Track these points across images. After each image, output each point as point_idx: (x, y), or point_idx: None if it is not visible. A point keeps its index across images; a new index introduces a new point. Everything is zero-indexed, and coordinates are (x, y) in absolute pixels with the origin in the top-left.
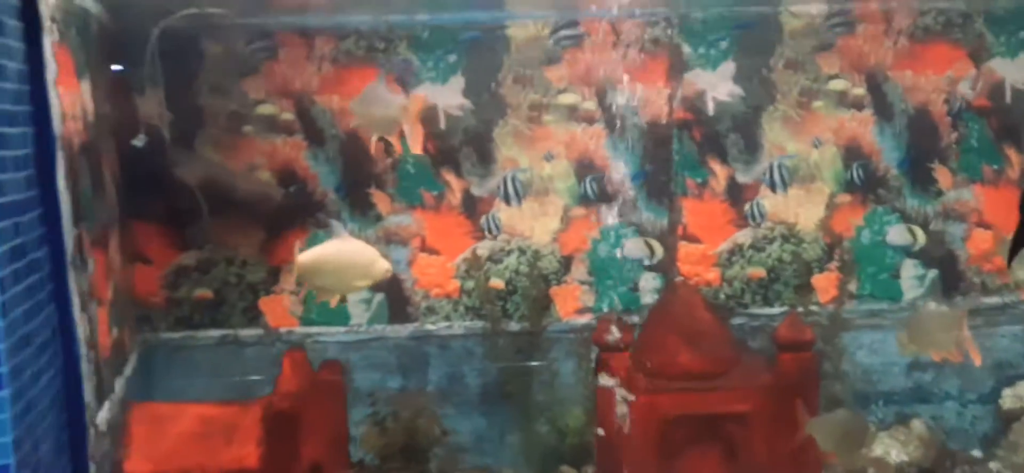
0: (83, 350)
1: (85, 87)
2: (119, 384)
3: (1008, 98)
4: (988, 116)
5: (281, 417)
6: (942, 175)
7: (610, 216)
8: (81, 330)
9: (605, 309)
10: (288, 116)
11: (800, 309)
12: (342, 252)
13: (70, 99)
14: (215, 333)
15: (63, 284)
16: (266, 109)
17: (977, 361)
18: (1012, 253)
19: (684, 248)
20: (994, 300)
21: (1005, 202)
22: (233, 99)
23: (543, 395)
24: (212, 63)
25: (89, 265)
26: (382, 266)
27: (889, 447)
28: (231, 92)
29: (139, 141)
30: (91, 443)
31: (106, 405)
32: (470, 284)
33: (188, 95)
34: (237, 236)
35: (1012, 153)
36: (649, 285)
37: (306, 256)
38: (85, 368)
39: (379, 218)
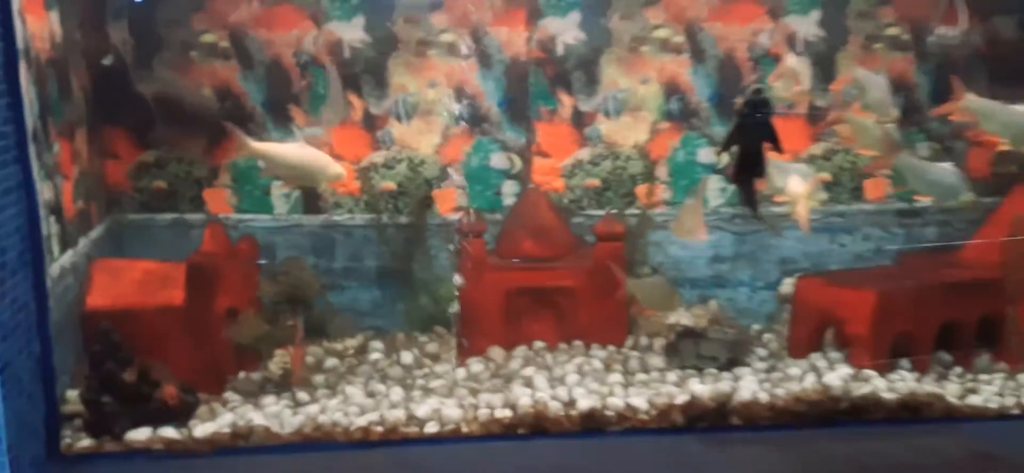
0: (43, 210)
1: (53, 16)
2: (83, 242)
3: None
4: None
5: (199, 270)
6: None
7: (480, 133)
8: (42, 192)
9: (474, 209)
10: (225, 44)
11: (625, 211)
12: (302, 153)
13: (38, 24)
14: (169, 216)
15: (25, 153)
16: (208, 38)
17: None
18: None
19: (537, 162)
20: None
21: (793, 130)
22: (183, 29)
23: (424, 273)
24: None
25: (54, 147)
26: (335, 169)
27: (680, 316)
28: (182, 23)
29: (107, 60)
30: (51, 278)
31: (69, 253)
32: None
33: (148, 25)
34: (185, 140)
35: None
36: (510, 190)
37: (268, 147)
38: (49, 221)
39: (299, 129)
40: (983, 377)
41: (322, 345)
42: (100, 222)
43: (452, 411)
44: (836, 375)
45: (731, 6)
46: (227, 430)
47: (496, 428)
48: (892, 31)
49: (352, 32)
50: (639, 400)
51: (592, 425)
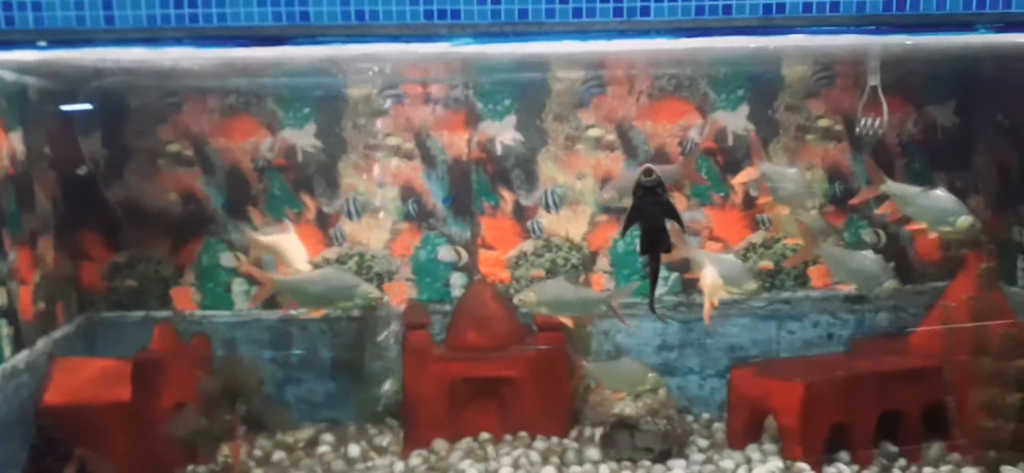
0: None
1: (15, 136)
2: (43, 342)
3: (730, 140)
4: (715, 154)
5: (143, 367)
6: (677, 199)
7: (427, 229)
8: None
9: (424, 300)
10: (189, 153)
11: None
12: (328, 279)
13: None
14: (139, 314)
15: None
16: (173, 148)
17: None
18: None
19: (483, 254)
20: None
21: (729, 221)
22: (150, 140)
23: (377, 364)
24: (136, 113)
25: (9, 256)
26: (364, 290)
27: (626, 405)
28: (149, 135)
29: (82, 171)
30: (2, 377)
31: (25, 352)
32: None
33: (118, 137)
34: (152, 241)
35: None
36: (457, 282)
37: (294, 280)
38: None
39: (254, 229)
40: (928, 470)
41: (274, 438)
42: (68, 321)
43: None
44: (765, 469)
45: (658, 104)
46: None
47: None
48: (823, 122)
49: (304, 138)
50: None
51: None
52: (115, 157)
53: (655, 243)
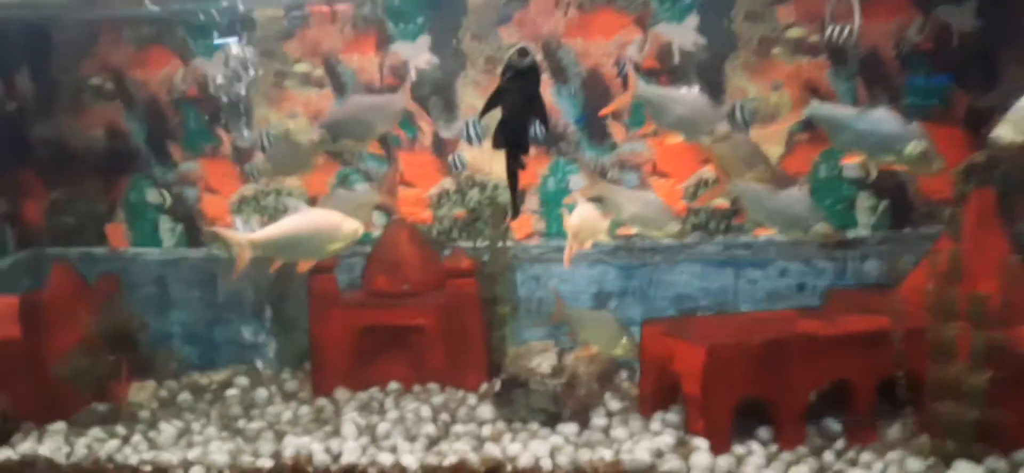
0: None
1: None
2: None
3: (676, 58)
4: (657, 75)
5: (31, 306)
6: (616, 129)
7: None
8: None
9: None
10: (110, 86)
11: (499, 244)
12: (306, 221)
13: None
14: (78, 250)
15: None
16: (95, 81)
17: None
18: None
19: (403, 191)
20: (672, 242)
21: (674, 152)
22: (74, 74)
23: (296, 310)
24: (60, 48)
25: None
26: (349, 227)
27: (542, 360)
28: (73, 69)
29: (11, 107)
30: None
31: None
32: (239, 219)
33: (46, 72)
34: (85, 179)
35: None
36: (378, 221)
37: (267, 232)
38: None
39: (175, 165)
40: (866, 458)
41: (182, 380)
42: (11, 254)
43: (219, 457)
44: (647, 446)
45: (591, 17)
46: (16, 458)
47: None
48: (794, 32)
49: (214, 67)
50: (410, 459)
51: None
52: (42, 93)
53: (512, 140)
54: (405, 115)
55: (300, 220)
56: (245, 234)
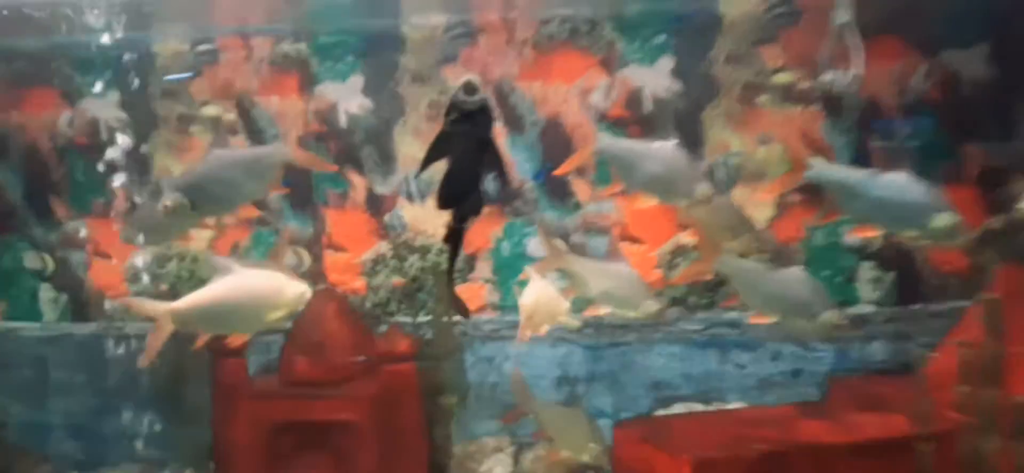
0: None
1: None
2: None
3: (647, 106)
4: (626, 125)
5: None
6: (579, 187)
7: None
8: None
9: None
10: None
11: (444, 318)
12: (242, 286)
13: None
14: None
15: None
16: None
17: None
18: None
19: (331, 257)
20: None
21: (650, 217)
22: None
23: (200, 399)
24: None
25: None
26: (294, 291)
27: (495, 464)
28: None
29: None
30: None
31: None
32: (135, 288)
33: None
34: None
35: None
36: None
37: (196, 298)
38: None
39: (59, 224)
40: None
41: None
42: None
43: None
44: None
45: (549, 58)
46: None
47: None
48: (782, 77)
49: (107, 110)
50: None
51: None
52: None
53: (460, 195)
54: (286, 171)
55: (232, 284)
56: (164, 304)
